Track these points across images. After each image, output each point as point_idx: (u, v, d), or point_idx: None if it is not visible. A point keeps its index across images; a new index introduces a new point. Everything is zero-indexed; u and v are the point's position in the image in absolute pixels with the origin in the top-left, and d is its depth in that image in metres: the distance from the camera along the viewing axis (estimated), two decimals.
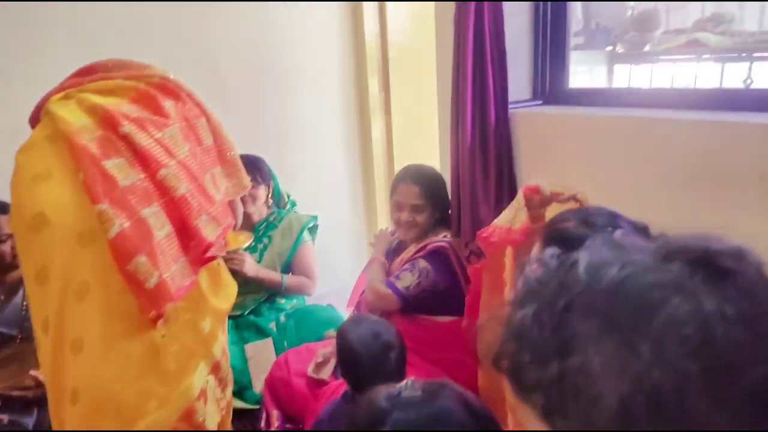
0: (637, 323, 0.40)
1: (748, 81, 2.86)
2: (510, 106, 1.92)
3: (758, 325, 0.39)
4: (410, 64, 2.96)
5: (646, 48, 2.94)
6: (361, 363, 1.43)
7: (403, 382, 0.94)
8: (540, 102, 2.04)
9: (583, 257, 0.45)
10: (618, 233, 0.46)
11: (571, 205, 1.32)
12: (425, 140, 2.84)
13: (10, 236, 1.87)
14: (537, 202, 1.41)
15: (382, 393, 0.93)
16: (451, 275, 2.03)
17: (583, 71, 3.06)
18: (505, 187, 1.97)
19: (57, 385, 1.31)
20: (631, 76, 3.03)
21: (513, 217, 1.46)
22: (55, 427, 1.35)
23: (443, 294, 2.01)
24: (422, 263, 2.01)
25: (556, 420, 0.43)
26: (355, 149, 3.05)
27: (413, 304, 2.01)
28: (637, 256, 0.44)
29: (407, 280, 1.98)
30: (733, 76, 2.65)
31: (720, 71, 2.70)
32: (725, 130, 1.40)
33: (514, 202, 1.49)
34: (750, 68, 2.71)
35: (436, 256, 2.02)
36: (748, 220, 1.37)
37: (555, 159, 1.84)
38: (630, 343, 0.39)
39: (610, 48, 3.01)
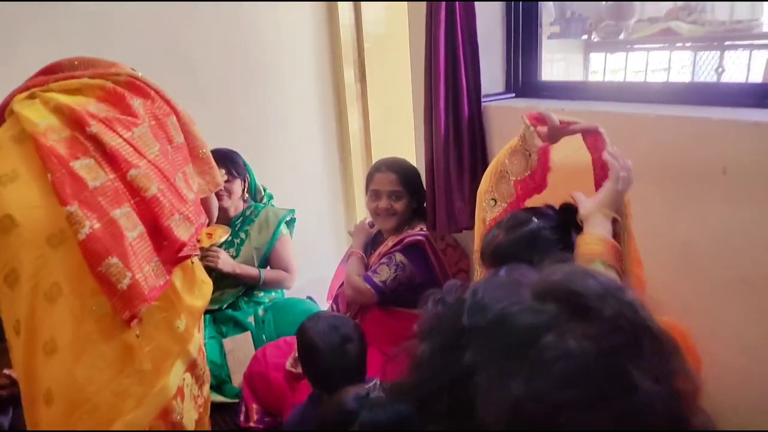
0: (513, 360, 0.45)
1: (720, 69, 2.91)
2: (483, 99, 1.93)
3: (614, 358, 0.44)
4: (386, 54, 2.95)
5: (621, 36, 2.97)
6: (321, 356, 1.45)
7: (371, 383, 0.96)
8: (513, 95, 2.05)
9: (470, 297, 0.50)
10: (504, 272, 0.55)
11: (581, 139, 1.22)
12: (402, 131, 2.85)
13: None
14: (544, 135, 1.29)
15: (350, 394, 0.95)
16: (427, 268, 2.06)
17: (559, 59, 3.08)
18: (479, 180, 1.99)
19: (31, 387, 1.31)
20: (606, 65, 3.05)
21: (526, 165, 1.35)
22: (29, 427, 1.35)
23: (420, 287, 2.04)
24: (399, 257, 2.03)
25: None
26: (333, 140, 3.05)
27: (390, 297, 2.04)
28: (516, 297, 0.49)
29: (384, 274, 2.01)
30: (706, 63, 2.68)
31: (693, 60, 2.74)
32: (690, 125, 1.43)
33: (517, 139, 1.36)
34: (721, 57, 2.75)
35: (413, 249, 2.04)
36: (714, 214, 1.40)
37: None
38: (507, 377, 0.45)
39: (585, 37, 3.03)
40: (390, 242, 2.10)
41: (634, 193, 1.54)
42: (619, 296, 0.48)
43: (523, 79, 2.04)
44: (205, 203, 1.63)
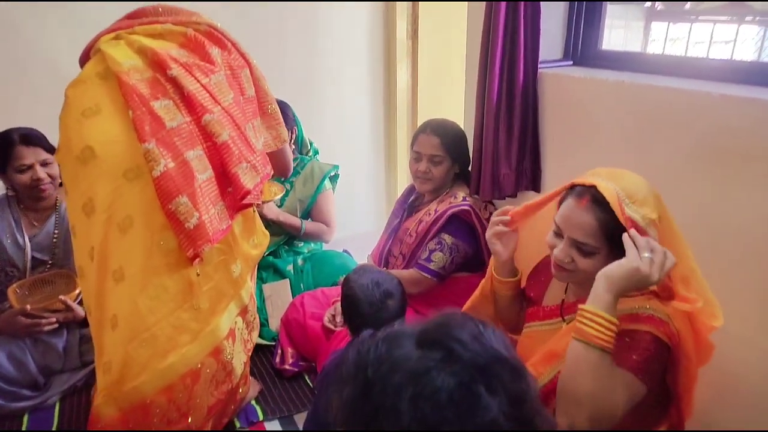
0: (403, 397, 0.62)
1: None
2: (540, 65, 1.89)
3: (470, 387, 0.63)
4: (442, 10, 2.88)
5: (687, 6, 2.83)
6: (362, 309, 1.50)
7: (396, 322, 0.98)
8: (570, 62, 2.00)
9: (372, 352, 0.69)
10: (397, 324, 0.77)
11: None
12: (451, 92, 2.81)
13: (43, 165, 1.93)
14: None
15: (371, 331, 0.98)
16: (474, 238, 2.05)
17: (619, 26, 2.96)
18: (527, 148, 1.97)
19: (100, 311, 1.39)
20: (667, 35, 2.92)
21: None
22: (96, 349, 1.45)
23: (468, 256, 2.05)
24: (449, 239, 2.01)
25: None
26: (379, 97, 3.03)
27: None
28: (404, 349, 0.68)
29: (440, 260, 2.01)
30: None
31: (762, 35, 2.61)
32: (758, 107, 1.38)
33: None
34: None
35: (458, 223, 2.03)
36: None
37: (581, 123, 1.82)
38: (401, 409, 0.62)
39: (648, 4, 2.90)
40: (432, 210, 2.08)
41: (693, 172, 1.51)
42: (479, 339, 0.67)
43: (582, 46, 1.98)
44: (279, 156, 1.67)
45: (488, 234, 1.45)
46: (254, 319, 1.72)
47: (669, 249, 1.13)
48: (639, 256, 1.07)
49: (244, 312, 1.63)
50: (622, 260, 1.08)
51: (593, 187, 1.18)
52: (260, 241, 1.67)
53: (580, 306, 1.10)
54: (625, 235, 1.11)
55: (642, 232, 1.12)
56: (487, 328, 0.70)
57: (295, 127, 2.42)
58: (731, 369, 1.47)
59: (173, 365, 1.42)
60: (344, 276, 2.27)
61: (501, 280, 1.48)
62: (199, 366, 1.47)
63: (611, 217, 1.14)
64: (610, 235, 1.15)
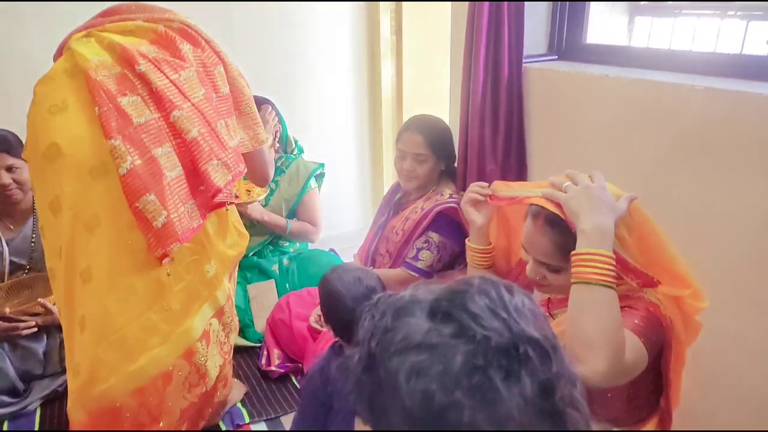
0: (409, 371, 0.55)
1: None
2: (524, 60, 1.88)
3: (482, 369, 0.53)
4: (425, 6, 2.86)
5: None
6: (345, 306, 1.46)
7: None
8: (555, 57, 1.99)
9: (377, 320, 0.61)
10: (408, 291, 0.64)
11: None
12: (436, 88, 2.79)
13: (9, 170, 1.89)
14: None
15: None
16: (461, 235, 2.04)
17: (603, 21, 2.96)
18: (513, 143, 1.96)
19: (69, 312, 1.37)
20: (651, 30, 2.94)
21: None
22: (66, 351, 1.42)
23: (454, 254, 2.04)
24: (436, 237, 1.99)
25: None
26: (364, 94, 3.01)
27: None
28: (412, 319, 0.59)
29: (428, 258, 1.99)
30: (757, 35, 2.57)
31: (744, 29, 2.62)
32: (743, 100, 1.37)
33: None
34: None
35: (445, 220, 2.00)
36: (759, 193, 1.36)
37: (567, 117, 1.81)
38: (403, 386, 0.55)
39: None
40: (419, 208, 2.06)
41: (678, 166, 1.51)
42: (502, 311, 0.58)
43: (567, 40, 1.97)
44: (258, 159, 1.63)
45: (463, 201, 1.42)
46: (232, 320, 1.69)
47: (645, 242, 1.12)
48: (562, 192, 1.08)
49: (220, 314, 1.59)
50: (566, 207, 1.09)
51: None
52: (237, 241, 1.64)
53: (572, 252, 1.06)
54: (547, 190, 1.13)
55: None
56: (515, 297, 0.60)
57: (279, 125, 2.39)
58: (719, 362, 1.47)
59: (143, 367, 1.39)
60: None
61: (475, 248, 1.45)
62: (171, 368, 1.44)
63: (567, 235, 1.11)
64: (570, 251, 1.11)
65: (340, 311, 1.50)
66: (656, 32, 2.02)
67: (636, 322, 1.09)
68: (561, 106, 1.83)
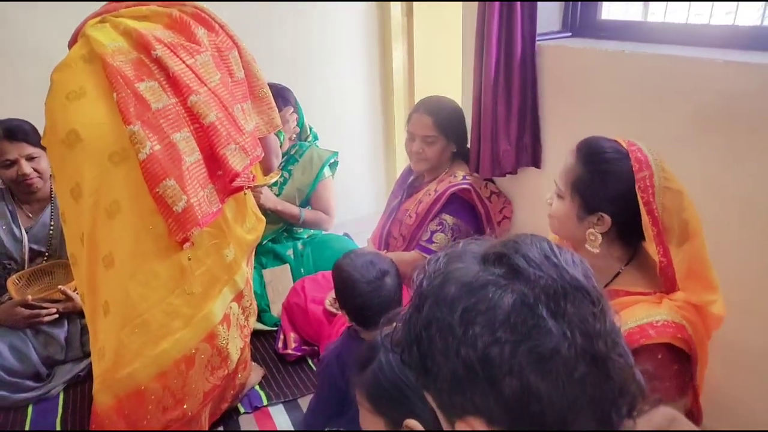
0: (455, 312, 0.57)
1: None
2: (537, 37, 1.84)
3: (533, 309, 0.55)
4: None
5: None
6: (360, 289, 1.46)
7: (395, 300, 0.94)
8: (569, 34, 1.95)
9: (431, 266, 0.63)
10: (463, 243, 0.67)
11: None
12: (449, 69, 2.76)
13: (29, 159, 1.91)
14: None
15: (382, 331, 0.95)
16: (474, 217, 2.02)
17: None
18: (527, 124, 1.94)
19: (92, 297, 1.39)
20: (667, 5, 2.87)
21: None
22: (91, 336, 1.44)
23: (469, 236, 2.02)
24: (450, 219, 1.98)
25: (429, 388, 0.61)
26: (376, 77, 2.98)
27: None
28: (464, 263, 0.61)
29: (442, 241, 1.98)
30: None
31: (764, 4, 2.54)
32: (763, 72, 1.34)
33: None
34: None
35: (459, 202, 1.99)
36: None
37: (582, 96, 1.78)
38: (450, 326, 0.56)
39: None
40: (432, 190, 2.05)
41: (696, 143, 1.47)
42: (551, 259, 0.59)
43: (581, 17, 1.93)
44: (266, 144, 1.64)
45: None
46: (251, 304, 1.70)
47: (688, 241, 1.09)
48: None
49: (239, 297, 1.61)
50: None
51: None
52: (254, 225, 1.65)
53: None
54: None
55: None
56: (564, 252, 0.62)
57: (296, 114, 2.38)
58: (733, 339, 1.45)
59: (166, 351, 1.41)
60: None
61: None
62: (193, 351, 1.46)
63: (586, 168, 1.13)
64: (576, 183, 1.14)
65: (354, 296, 1.50)
66: (672, 6, 1.97)
67: (667, 384, 1.02)
68: (576, 84, 1.80)
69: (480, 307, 0.55)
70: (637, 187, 1.09)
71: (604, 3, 1.91)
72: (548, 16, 1.93)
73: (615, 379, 0.56)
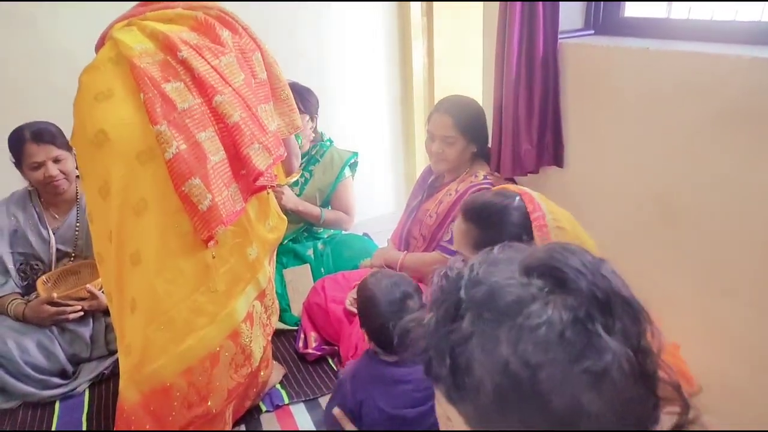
0: (502, 327, 0.53)
1: None
2: (560, 35, 1.83)
3: (586, 324, 0.52)
4: None
5: None
6: (382, 309, 1.44)
7: None
8: (592, 32, 1.93)
9: (467, 273, 0.59)
10: (497, 250, 0.63)
11: None
12: (469, 69, 2.75)
13: (55, 162, 1.95)
14: None
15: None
16: None
17: None
18: (549, 123, 1.92)
19: (119, 294, 1.41)
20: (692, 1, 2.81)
21: None
22: (117, 332, 1.47)
23: None
24: None
25: (457, 404, 0.57)
26: (396, 77, 2.98)
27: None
28: (506, 273, 0.57)
29: None
30: None
31: None
32: None
33: None
34: None
35: None
36: None
37: (605, 94, 1.76)
38: (498, 341, 0.53)
39: None
40: (453, 190, 2.04)
41: (722, 140, 1.45)
42: (594, 270, 0.56)
43: (604, 14, 1.91)
44: (287, 145, 1.66)
45: None
46: (273, 303, 1.72)
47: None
48: None
49: (262, 296, 1.62)
50: None
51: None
52: (277, 224, 1.67)
53: None
54: None
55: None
56: (604, 263, 0.59)
57: (317, 115, 2.39)
58: (753, 339, 1.42)
59: (191, 348, 1.43)
60: (368, 258, 2.26)
61: None
62: (218, 349, 1.47)
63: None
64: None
65: (375, 315, 1.49)
66: (697, 3, 1.94)
67: None
68: (598, 82, 1.78)
69: (530, 323, 0.52)
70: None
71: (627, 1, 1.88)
72: (571, 14, 1.92)
73: (660, 397, 0.55)
